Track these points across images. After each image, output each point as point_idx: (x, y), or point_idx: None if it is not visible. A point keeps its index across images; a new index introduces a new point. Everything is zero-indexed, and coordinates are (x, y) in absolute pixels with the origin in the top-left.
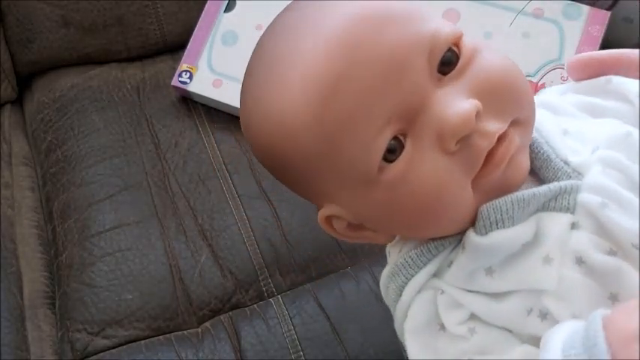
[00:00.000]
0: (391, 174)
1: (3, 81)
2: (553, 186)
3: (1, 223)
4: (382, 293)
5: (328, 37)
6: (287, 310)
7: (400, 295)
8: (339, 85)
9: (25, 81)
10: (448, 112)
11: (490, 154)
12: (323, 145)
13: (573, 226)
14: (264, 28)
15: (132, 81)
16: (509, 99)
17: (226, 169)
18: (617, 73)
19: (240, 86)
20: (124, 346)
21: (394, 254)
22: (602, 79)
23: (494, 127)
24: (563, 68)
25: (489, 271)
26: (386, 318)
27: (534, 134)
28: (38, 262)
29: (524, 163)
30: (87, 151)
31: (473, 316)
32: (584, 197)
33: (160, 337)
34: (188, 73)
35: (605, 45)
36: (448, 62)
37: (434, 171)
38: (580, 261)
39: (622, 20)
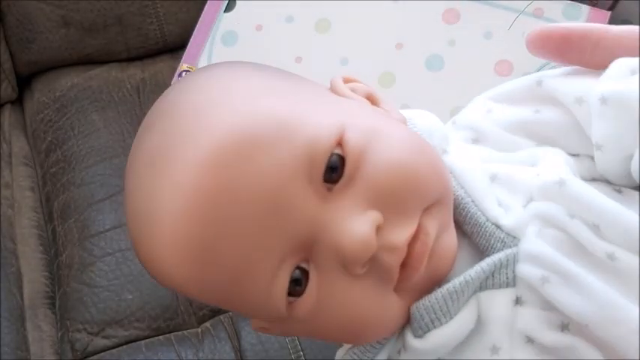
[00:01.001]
0: (302, 309)
1: (3, 81)
2: (486, 265)
3: (1, 223)
4: None
5: (182, 186)
6: None
7: None
8: (211, 243)
9: (25, 81)
10: (344, 240)
11: (405, 259)
12: (218, 299)
13: (517, 301)
14: (264, 29)
15: (132, 81)
16: (412, 195)
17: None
18: (580, 52)
19: None
20: (124, 346)
21: (340, 350)
22: (533, 81)
23: (401, 235)
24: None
25: None
26: None
27: (459, 191)
28: (38, 262)
29: (450, 244)
30: (87, 151)
31: None
32: (523, 270)
33: (160, 337)
34: (188, 74)
35: None
36: (334, 167)
37: (346, 298)
38: (530, 340)
39: (621, 23)
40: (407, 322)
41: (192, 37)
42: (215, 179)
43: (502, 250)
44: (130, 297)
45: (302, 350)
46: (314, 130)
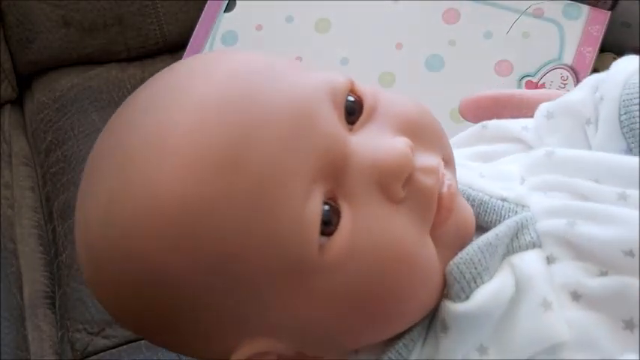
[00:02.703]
0: (336, 248)
1: (3, 81)
2: (510, 222)
3: (1, 223)
4: None
5: (208, 102)
6: None
7: None
8: (243, 149)
9: (25, 81)
10: (381, 154)
11: (438, 198)
12: (233, 244)
13: (549, 259)
14: (264, 28)
15: (132, 81)
16: (432, 133)
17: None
18: (510, 111)
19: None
20: (124, 346)
21: None
22: (477, 126)
23: (433, 160)
24: (563, 68)
25: (482, 350)
26: None
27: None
28: (38, 262)
29: (468, 206)
30: (87, 152)
31: None
32: (545, 225)
33: None
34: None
35: (604, 47)
36: (352, 112)
37: (386, 228)
38: (576, 296)
39: (620, 25)
40: (441, 297)
41: (192, 37)
42: (240, 86)
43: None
44: None
45: None
46: (327, 74)
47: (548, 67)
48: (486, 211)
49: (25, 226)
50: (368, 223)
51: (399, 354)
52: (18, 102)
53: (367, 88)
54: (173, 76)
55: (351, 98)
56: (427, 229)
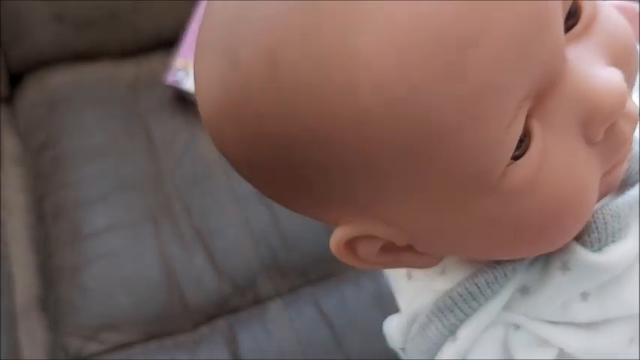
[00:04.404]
0: (518, 178)
1: None
2: None
3: None
4: (393, 337)
5: None
6: (286, 313)
7: (451, 336)
8: (468, 49)
9: (16, 78)
10: (598, 87)
11: None
12: (420, 139)
13: None
14: None
15: (125, 78)
16: (636, 65)
17: (223, 169)
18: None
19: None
20: (118, 351)
21: (433, 281)
22: None
23: (634, 105)
24: None
25: (584, 295)
26: None
27: None
28: (30, 264)
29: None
30: (79, 151)
31: (561, 354)
32: None
33: (155, 341)
34: (183, 71)
35: None
36: (571, 15)
37: (574, 166)
38: None
39: None
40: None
41: (187, 32)
42: None
43: None
44: (124, 300)
45: (301, 355)
46: None
47: None
48: (629, 166)
49: (16, 227)
50: (557, 158)
51: (506, 274)
52: (10, 100)
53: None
54: None
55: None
56: (602, 172)
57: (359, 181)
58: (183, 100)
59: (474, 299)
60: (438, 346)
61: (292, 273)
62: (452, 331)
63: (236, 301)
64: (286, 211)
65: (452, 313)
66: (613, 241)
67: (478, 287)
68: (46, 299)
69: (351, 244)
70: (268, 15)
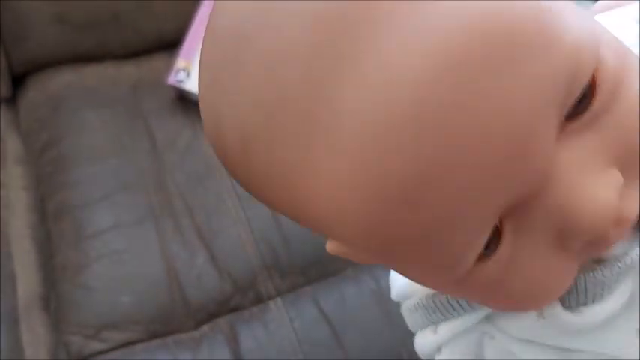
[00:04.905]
0: (481, 275)
1: None
2: None
3: None
4: (405, 314)
5: (396, 88)
6: (287, 313)
7: (432, 326)
8: (418, 181)
9: (19, 79)
10: (578, 204)
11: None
12: (380, 249)
13: None
14: None
15: (128, 79)
16: None
17: (224, 168)
18: None
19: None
20: (120, 350)
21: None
22: None
23: (633, 208)
24: None
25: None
26: (386, 322)
27: None
28: (33, 263)
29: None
30: (82, 151)
31: None
32: None
33: (157, 340)
34: (184, 72)
35: None
36: (581, 99)
37: (540, 270)
38: None
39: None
40: None
41: (189, 33)
42: (447, 89)
43: None
44: (126, 299)
45: (302, 354)
46: (579, 35)
47: None
48: None
49: (19, 226)
50: (524, 263)
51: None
52: (12, 100)
53: (611, 71)
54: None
55: (587, 81)
56: (581, 263)
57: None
58: (184, 101)
59: (455, 310)
60: (421, 328)
61: (293, 272)
62: (434, 323)
63: (237, 300)
64: None
65: (434, 313)
66: (592, 302)
67: (459, 302)
68: (48, 298)
69: (344, 253)
70: (239, 105)
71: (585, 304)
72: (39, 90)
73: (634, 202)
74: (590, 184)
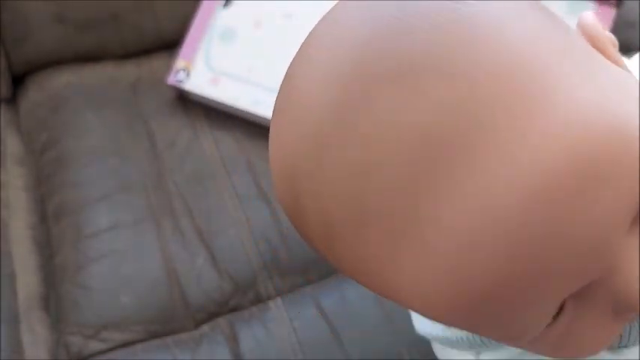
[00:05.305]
0: (540, 340)
1: None
2: None
3: None
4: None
5: (493, 216)
6: (287, 313)
7: (474, 353)
8: (503, 286)
9: (19, 79)
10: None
11: None
12: (480, 318)
13: None
14: (263, 25)
15: (127, 79)
16: None
17: (225, 168)
18: None
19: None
20: (120, 350)
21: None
22: None
23: None
24: None
25: None
26: (386, 322)
27: None
28: (32, 263)
29: None
30: (82, 151)
31: None
32: None
33: (157, 340)
34: (184, 72)
35: None
36: None
37: (596, 337)
38: None
39: (624, 24)
40: None
41: (189, 33)
42: (540, 209)
43: None
44: (126, 299)
45: (302, 354)
46: None
47: None
48: None
49: (19, 226)
50: (582, 330)
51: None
52: (12, 101)
53: None
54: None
55: None
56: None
57: None
58: (184, 101)
59: (502, 346)
60: (460, 350)
61: (293, 272)
62: (477, 351)
63: (237, 300)
64: None
65: (479, 347)
66: (633, 345)
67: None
68: (48, 298)
69: None
70: (324, 193)
71: (627, 346)
72: (39, 90)
73: None
74: None
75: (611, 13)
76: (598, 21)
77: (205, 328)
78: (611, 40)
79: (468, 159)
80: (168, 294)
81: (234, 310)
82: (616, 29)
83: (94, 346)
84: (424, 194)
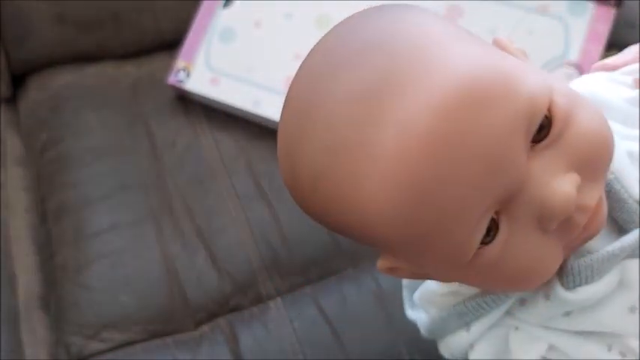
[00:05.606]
0: (484, 258)
1: None
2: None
3: None
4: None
5: (410, 133)
6: (287, 313)
7: (465, 327)
8: (427, 193)
9: (19, 79)
10: (549, 195)
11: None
12: (408, 240)
13: None
14: (263, 25)
15: (128, 79)
16: (603, 164)
17: (225, 169)
18: None
19: (281, 128)
20: (120, 350)
21: (460, 288)
22: None
23: (592, 198)
24: (568, 65)
25: (567, 313)
26: (386, 322)
27: None
28: (33, 263)
29: (606, 212)
30: (82, 151)
31: (551, 349)
32: None
33: (157, 340)
34: (184, 72)
35: (610, 45)
36: (540, 129)
37: (530, 251)
38: None
39: (624, 24)
40: (556, 276)
41: (189, 33)
42: (446, 125)
43: None
44: (126, 299)
45: (302, 354)
46: (533, 88)
47: (553, 65)
48: (621, 209)
49: (19, 227)
50: (517, 241)
51: (508, 295)
52: (12, 100)
53: (563, 108)
54: (415, 52)
55: (543, 117)
56: (562, 245)
57: (384, 244)
58: (184, 101)
59: (483, 309)
60: (452, 332)
61: (293, 272)
62: (467, 324)
63: (237, 300)
64: (287, 210)
65: (467, 316)
66: (586, 284)
67: (485, 303)
68: (48, 298)
69: (390, 269)
70: (310, 152)
71: (580, 284)
72: (39, 90)
73: (592, 193)
74: (555, 181)
75: (611, 13)
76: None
77: (205, 328)
78: (520, 50)
79: (398, 94)
80: (169, 294)
81: (234, 310)
82: (616, 29)
83: (94, 346)
84: (370, 129)
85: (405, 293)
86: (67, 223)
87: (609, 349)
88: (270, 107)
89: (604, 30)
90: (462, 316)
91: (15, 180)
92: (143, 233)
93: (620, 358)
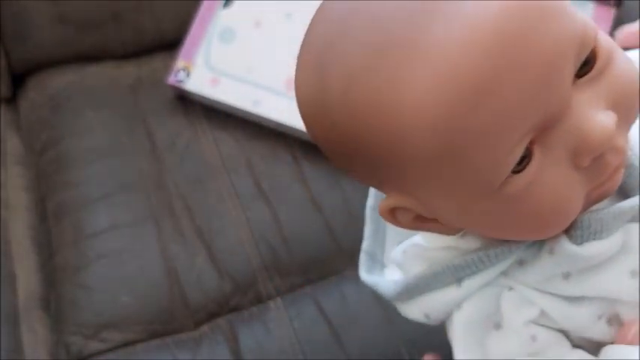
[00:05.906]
0: (514, 187)
1: None
2: None
3: None
4: (404, 262)
5: (475, 28)
6: (287, 313)
7: (456, 283)
8: (483, 96)
9: (19, 79)
10: (590, 127)
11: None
12: (442, 155)
13: None
14: (263, 25)
15: (128, 79)
16: (635, 111)
17: (224, 168)
18: None
19: (301, 57)
20: (120, 350)
21: (454, 242)
22: None
23: (624, 141)
24: None
25: (566, 275)
26: (386, 321)
27: None
28: (32, 263)
29: (622, 172)
30: (82, 151)
31: (542, 315)
32: None
33: (157, 340)
34: (184, 72)
35: None
36: (586, 63)
37: (560, 186)
38: None
39: (624, 24)
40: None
41: (189, 33)
42: (514, 26)
43: None
44: (126, 299)
45: (302, 354)
46: (585, 20)
47: None
48: (630, 174)
49: (18, 227)
50: (548, 175)
51: (511, 250)
52: (12, 100)
53: (606, 47)
54: None
55: (591, 48)
56: (587, 190)
57: (397, 177)
58: (184, 101)
59: (482, 263)
60: (441, 288)
61: (293, 272)
62: (459, 280)
63: (237, 300)
64: (287, 210)
65: (463, 270)
66: (594, 239)
67: (487, 257)
68: (48, 298)
69: (393, 211)
70: (348, 51)
71: (588, 240)
72: (39, 90)
73: (624, 136)
74: (596, 114)
75: (611, 13)
76: None
77: (205, 328)
78: None
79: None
80: (168, 294)
81: (234, 310)
82: (616, 29)
83: (94, 346)
84: (423, 24)
85: (364, 257)
86: (67, 223)
87: (599, 318)
88: (270, 107)
89: (604, 30)
90: (458, 270)
91: (15, 180)
92: (143, 233)
93: (606, 326)
